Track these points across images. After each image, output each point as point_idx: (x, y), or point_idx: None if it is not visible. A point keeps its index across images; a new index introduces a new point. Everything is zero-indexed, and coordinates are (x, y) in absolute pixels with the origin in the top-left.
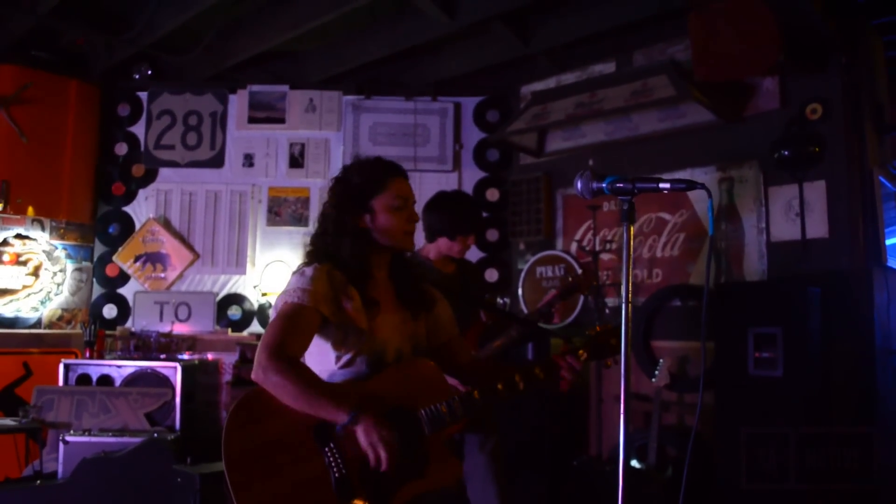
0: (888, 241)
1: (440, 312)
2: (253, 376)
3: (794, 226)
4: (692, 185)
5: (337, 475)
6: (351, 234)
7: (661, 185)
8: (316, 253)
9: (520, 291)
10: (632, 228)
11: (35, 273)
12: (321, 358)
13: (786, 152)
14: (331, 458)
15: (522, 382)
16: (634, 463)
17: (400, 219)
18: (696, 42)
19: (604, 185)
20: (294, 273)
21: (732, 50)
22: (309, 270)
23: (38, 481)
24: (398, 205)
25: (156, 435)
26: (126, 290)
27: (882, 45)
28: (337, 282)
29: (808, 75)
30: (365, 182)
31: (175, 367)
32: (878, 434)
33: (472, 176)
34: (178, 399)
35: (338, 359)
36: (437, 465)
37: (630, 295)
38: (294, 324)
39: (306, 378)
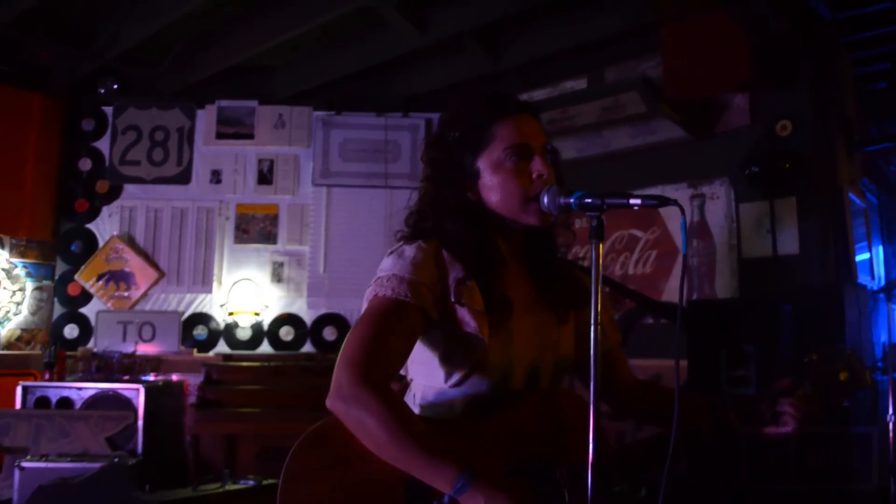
0: (858, 258)
1: None
2: (328, 404)
3: (766, 242)
4: (664, 201)
5: None
6: (455, 213)
7: (632, 201)
8: (417, 233)
9: None
10: (601, 246)
11: None
12: (427, 370)
13: (756, 168)
14: None
15: (742, 422)
16: None
17: (518, 176)
18: (667, 58)
19: (571, 200)
20: (389, 254)
21: (702, 66)
22: (410, 250)
23: None
24: (513, 156)
25: (116, 460)
26: (88, 310)
27: (851, 62)
28: (449, 269)
29: (777, 91)
30: (463, 137)
31: (138, 389)
32: (877, 434)
33: None
34: (140, 422)
35: (448, 375)
36: None
37: (599, 317)
38: (388, 330)
39: (399, 417)
